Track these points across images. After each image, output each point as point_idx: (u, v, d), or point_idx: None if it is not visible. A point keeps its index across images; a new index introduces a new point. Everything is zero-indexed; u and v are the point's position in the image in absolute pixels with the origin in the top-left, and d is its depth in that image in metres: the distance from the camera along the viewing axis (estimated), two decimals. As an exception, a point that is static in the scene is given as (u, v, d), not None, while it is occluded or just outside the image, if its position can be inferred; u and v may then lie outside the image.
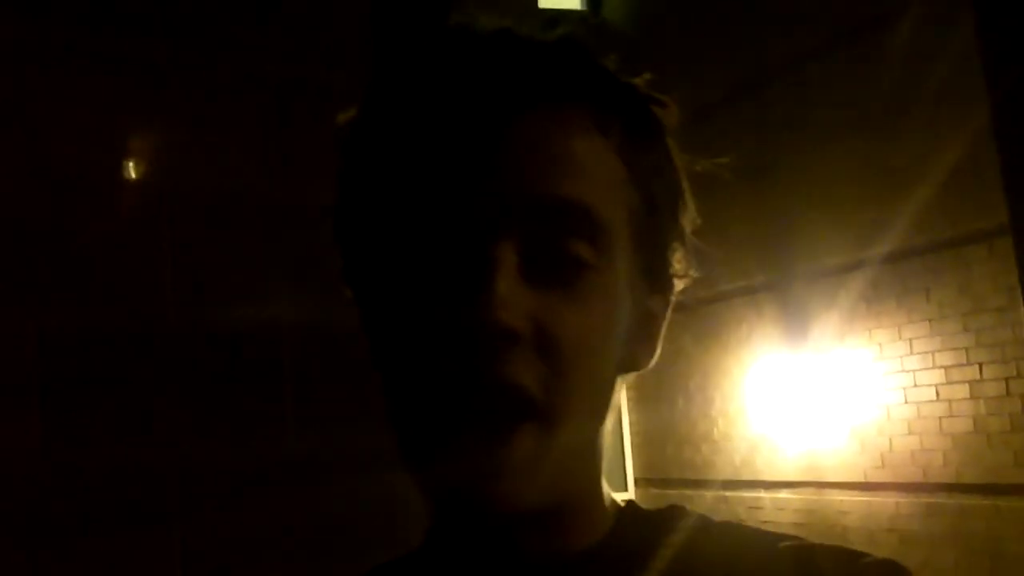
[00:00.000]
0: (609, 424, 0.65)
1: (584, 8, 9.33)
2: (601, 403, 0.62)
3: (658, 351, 0.68)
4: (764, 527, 0.67)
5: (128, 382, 1.62)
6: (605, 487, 0.67)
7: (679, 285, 0.69)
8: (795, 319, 6.55)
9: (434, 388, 0.56)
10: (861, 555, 0.63)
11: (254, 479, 1.73)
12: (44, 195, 1.62)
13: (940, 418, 5.57)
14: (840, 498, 6.26)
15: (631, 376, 0.67)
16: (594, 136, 0.61)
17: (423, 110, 0.60)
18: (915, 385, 5.71)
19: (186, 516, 1.66)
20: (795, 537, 0.64)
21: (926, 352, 5.64)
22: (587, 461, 0.64)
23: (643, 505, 0.70)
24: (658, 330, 0.68)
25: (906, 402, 5.77)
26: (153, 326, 1.69)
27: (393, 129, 0.61)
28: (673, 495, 7.69)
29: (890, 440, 5.88)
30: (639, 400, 8.30)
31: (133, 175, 1.70)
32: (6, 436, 1.53)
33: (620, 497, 0.69)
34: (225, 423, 1.74)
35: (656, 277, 0.67)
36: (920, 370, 5.67)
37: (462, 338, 0.54)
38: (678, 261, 0.68)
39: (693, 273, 0.69)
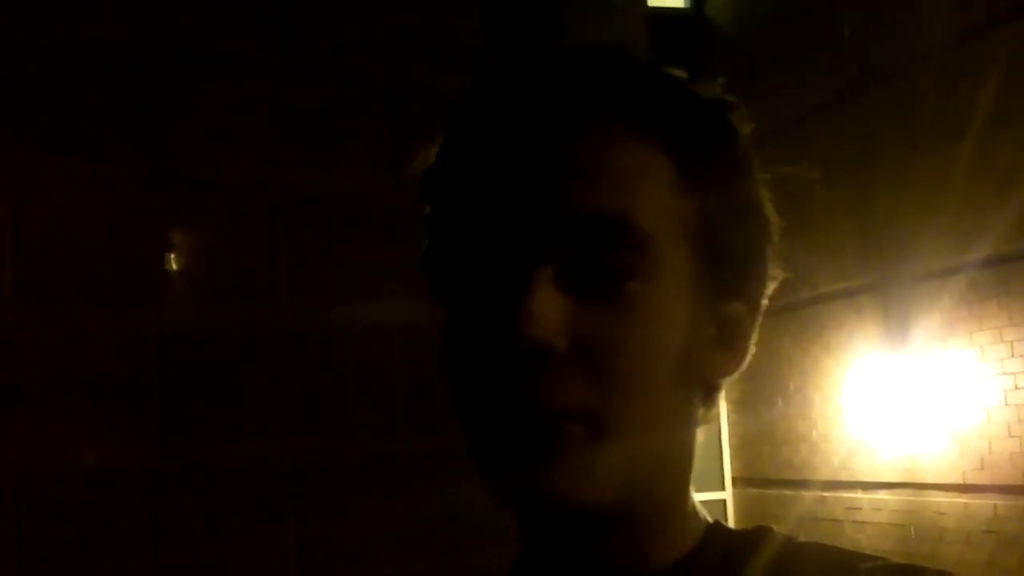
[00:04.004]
0: (701, 436, 0.65)
1: (688, 7, 9.35)
2: (664, 412, 0.61)
3: (747, 357, 0.66)
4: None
5: (243, 382, 1.69)
6: (694, 502, 0.67)
7: (767, 288, 0.67)
8: (896, 321, 6.53)
9: (480, 402, 0.59)
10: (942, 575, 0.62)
11: (365, 477, 1.78)
12: (160, 197, 1.76)
13: (1040, 421, 5.54)
14: (938, 500, 6.23)
15: (728, 378, 0.66)
16: (634, 144, 0.60)
17: (471, 135, 0.63)
18: (1016, 388, 5.67)
19: (299, 514, 1.72)
20: (877, 557, 0.63)
21: (1028, 355, 5.61)
22: (662, 470, 0.63)
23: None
24: (743, 335, 0.66)
25: (1006, 404, 5.73)
26: (268, 327, 1.74)
27: (449, 156, 0.65)
28: (771, 495, 7.72)
29: (989, 443, 5.84)
30: (738, 401, 8.31)
31: (248, 177, 1.76)
32: (127, 433, 1.66)
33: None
34: (337, 422, 1.80)
35: (732, 282, 0.64)
36: (1021, 372, 5.64)
37: (499, 354, 0.57)
38: (762, 264, 0.66)
39: (780, 276, 0.67)
